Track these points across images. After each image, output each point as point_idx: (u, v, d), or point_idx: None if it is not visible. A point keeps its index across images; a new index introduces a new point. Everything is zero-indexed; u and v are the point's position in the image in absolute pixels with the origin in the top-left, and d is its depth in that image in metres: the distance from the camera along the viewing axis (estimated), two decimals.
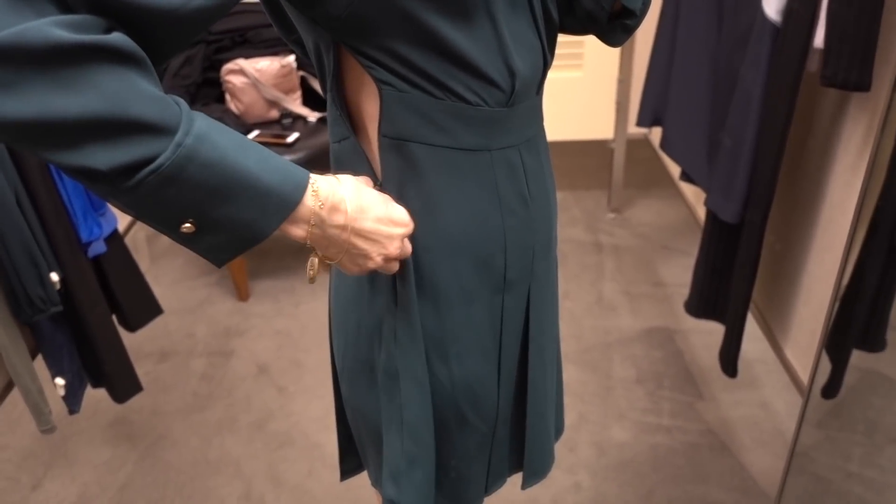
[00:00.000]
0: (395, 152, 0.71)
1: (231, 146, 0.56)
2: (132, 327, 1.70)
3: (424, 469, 0.80)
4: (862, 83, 1.15)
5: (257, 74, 2.22)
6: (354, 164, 0.75)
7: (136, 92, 0.50)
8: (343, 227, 0.65)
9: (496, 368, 0.80)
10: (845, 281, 1.24)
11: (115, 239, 1.61)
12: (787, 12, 1.27)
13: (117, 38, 0.50)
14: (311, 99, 2.38)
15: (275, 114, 2.30)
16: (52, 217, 1.39)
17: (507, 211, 0.75)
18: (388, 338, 0.76)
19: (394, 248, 0.69)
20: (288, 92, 2.30)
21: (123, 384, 1.62)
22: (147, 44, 0.52)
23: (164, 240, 2.73)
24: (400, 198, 0.71)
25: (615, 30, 0.79)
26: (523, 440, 0.88)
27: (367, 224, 0.66)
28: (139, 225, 2.77)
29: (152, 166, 0.52)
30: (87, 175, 0.52)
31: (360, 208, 0.66)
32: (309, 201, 0.62)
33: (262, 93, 2.25)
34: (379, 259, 0.69)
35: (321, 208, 0.63)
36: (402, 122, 0.69)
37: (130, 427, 1.85)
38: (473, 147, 0.71)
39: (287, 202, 0.60)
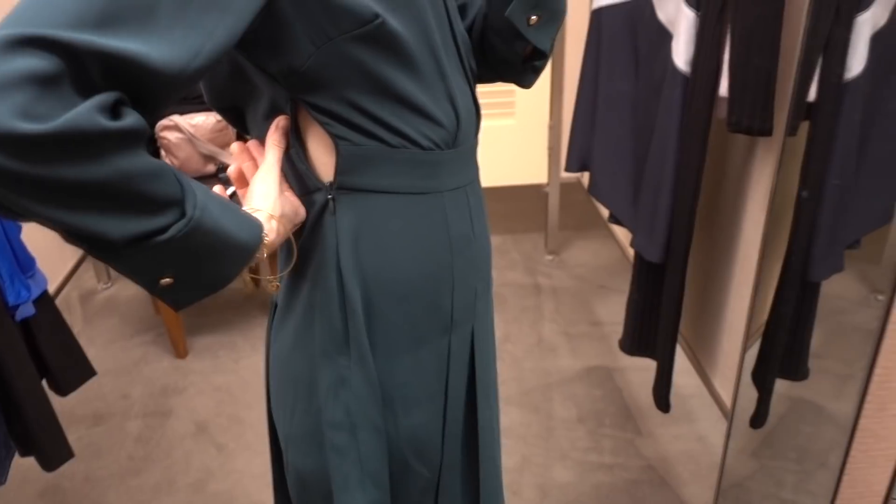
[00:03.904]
0: (352, 204, 0.73)
1: (218, 211, 0.60)
2: (64, 391, 1.65)
3: None
4: (764, 128, 1.23)
5: (192, 129, 2.22)
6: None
7: (146, 168, 0.53)
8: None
9: (441, 414, 0.81)
10: (765, 316, 1.30)
11: (44, 300, 1.57)
12: (694, 63, 1.35)
13: (137, 120, 0.52)
14: None
15: (211, 168, 2.30)
16: None
17: (457, 251, 0.78)
18: (341, 392, 0.75)
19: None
20: (224, 146, 2.30)
21: (53, 451, 1.56)
22: (147, 106, 0.54)
23: (98, 299, 2.66)
24: (355, 249, 0.73)
25: (527, 71, 0.86)
26: (474, 484, 0.87)
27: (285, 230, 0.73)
28: (72, 285, 2.70)
29: (163, 237, 0.55)
30: (94, 242, 0.54)
31: (286, 230, 0.72)
32: (258, 252, 0.66)
33: (198, 148, 2.24)
34: None
35: (265, 255, 0.68)
36: (359, 174, 0.72)
37: (63, 496, 1.78)
38: (428, 190, 0.76)
39: (249, 251, 0.65)
